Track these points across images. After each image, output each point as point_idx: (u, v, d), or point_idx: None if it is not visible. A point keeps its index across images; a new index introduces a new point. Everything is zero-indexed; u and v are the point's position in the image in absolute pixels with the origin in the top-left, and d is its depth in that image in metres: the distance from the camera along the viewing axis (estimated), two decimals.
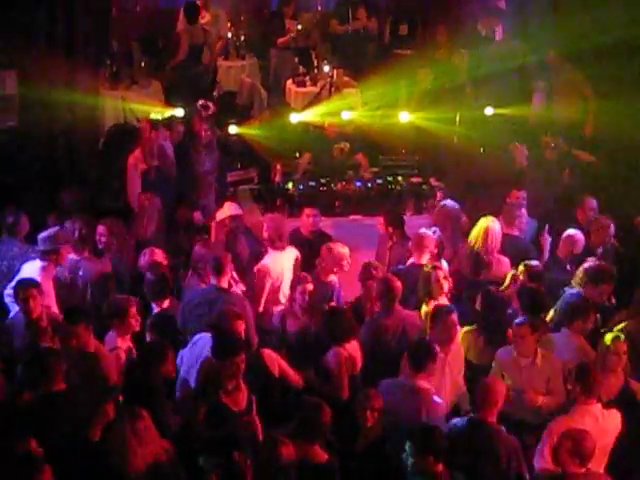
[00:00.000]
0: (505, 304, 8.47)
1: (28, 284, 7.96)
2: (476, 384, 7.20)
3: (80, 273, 8.76)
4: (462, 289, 9.00)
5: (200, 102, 11.46)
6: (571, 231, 9.63)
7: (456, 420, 7.03)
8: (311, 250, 9.44)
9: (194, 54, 13.75)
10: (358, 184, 11.97)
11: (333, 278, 9.02)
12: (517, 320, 7.82)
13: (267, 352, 7.50)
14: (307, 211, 10.15)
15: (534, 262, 9.01)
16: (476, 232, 9.45)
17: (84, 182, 11.02)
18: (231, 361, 6.86)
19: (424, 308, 8.43)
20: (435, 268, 8.63)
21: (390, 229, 9.91)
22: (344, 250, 9.00)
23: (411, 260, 9.29)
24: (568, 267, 9.39)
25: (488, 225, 9.41)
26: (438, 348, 7.40)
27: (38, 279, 8.19)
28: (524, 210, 10.14)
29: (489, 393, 6.88)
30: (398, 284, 8.20)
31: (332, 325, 7.81)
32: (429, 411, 7.02)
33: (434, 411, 7.05)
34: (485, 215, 9.64)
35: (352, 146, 12.14)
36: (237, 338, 7.21)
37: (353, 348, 7.81)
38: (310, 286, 8.47)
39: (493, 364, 7.81)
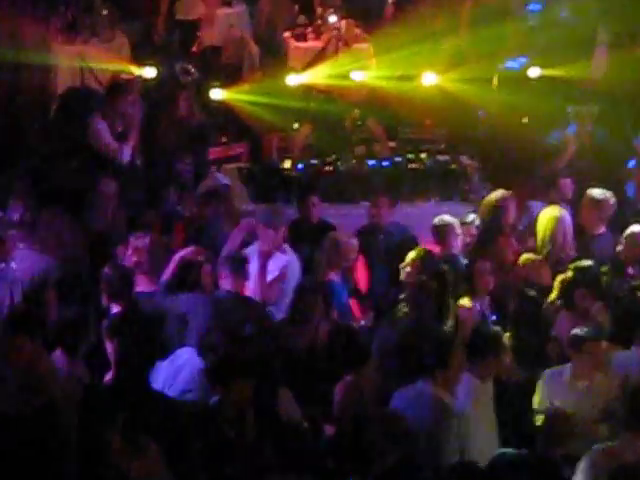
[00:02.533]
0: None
1: None
2: (508, 407, 7.10)
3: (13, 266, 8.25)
4: None
5: (179, 65, 11.29)
6: (636, 228, 9.11)
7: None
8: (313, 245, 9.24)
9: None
10: (371, 163, 11.53)
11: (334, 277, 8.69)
12: (586, 332, 7.27)
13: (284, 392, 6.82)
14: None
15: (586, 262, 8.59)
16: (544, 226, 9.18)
17: (32, 158, 10.65)
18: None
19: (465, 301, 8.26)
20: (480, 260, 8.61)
21: None
22: (353, 242, 8.79)
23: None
24: (630, 270, 9.03)
25: (558, 216, 9.15)
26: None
27: None
28: None
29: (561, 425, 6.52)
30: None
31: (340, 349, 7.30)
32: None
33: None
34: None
35: (362, 114, 11.77)
36: None
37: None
38: None
39: (538, 388, 7.36)
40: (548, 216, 9.19)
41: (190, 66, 11.52)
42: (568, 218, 9.18)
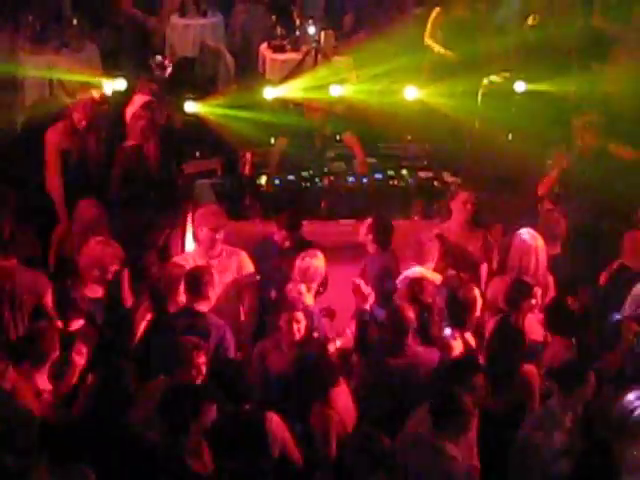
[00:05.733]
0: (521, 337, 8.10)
1: None
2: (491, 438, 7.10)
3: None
4: None
5: (154, 59, 11.72)
6: None
7: None
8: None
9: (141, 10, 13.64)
10: (351, 180, 11.25)
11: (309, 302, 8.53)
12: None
13: (275, 419, 6.83)
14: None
15: None
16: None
17: None
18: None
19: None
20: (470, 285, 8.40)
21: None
22: (317, 263, 8.72)
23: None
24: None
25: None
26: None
27: None
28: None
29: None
30: (410, 314, 7.84)
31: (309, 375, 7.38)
32: None
33: None
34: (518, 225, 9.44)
35: (337, 129, 11.58)
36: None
37: (343, 398, 7.27)
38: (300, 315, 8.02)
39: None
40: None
41: (166, 60, 11.47)
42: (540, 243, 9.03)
